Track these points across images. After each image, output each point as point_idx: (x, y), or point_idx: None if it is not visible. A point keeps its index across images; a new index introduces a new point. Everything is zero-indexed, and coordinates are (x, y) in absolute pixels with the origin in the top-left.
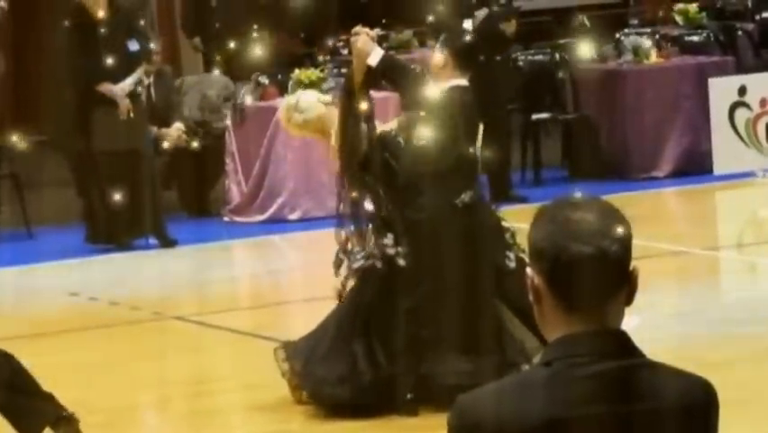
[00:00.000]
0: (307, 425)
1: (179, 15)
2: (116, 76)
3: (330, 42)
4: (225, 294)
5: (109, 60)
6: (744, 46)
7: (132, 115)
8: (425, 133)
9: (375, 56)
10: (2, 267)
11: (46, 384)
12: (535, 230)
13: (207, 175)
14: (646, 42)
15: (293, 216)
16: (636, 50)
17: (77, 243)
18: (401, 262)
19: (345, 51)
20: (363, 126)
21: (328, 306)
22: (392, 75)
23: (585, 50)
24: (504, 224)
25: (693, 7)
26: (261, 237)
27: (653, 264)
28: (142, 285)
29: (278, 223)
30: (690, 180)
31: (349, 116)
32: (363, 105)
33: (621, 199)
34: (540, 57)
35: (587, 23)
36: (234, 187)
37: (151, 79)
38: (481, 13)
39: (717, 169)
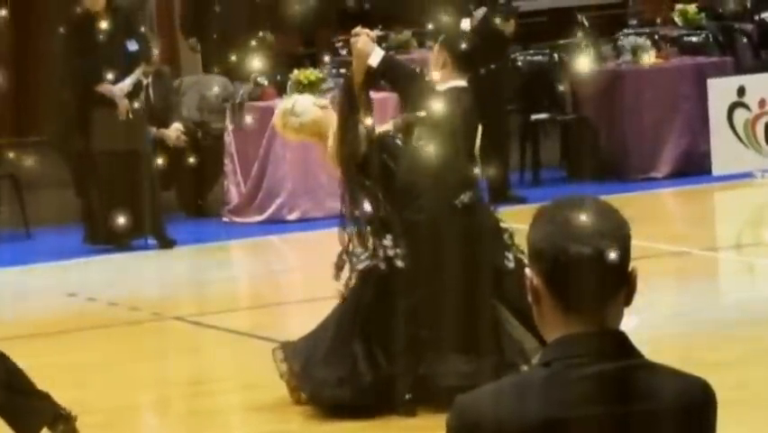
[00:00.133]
0: (306, 425)
1: (178, 16)
2: (115, 76)
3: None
4: (224, 294)
5: (108, 61)
6: (743, 47)
7: (130, 115)
8: (425, 134)
9: (375, 56)
10: (0, 267)
11: (44, 385)
12: (535, 231)
13: (206, 176)
14: (645, 43)
15: (292, 217)
16: (635, 51)
17: (76, 243)
18: (399, 263)
19: (344, 52)
20: (362, 128)
21: (327, 306)
22: (392, 75)
23: (584, 50)
24: (502, 224)
25: (692, 8)
26: (260, 238)
27: (651, 265)
28: (141, 285)
29: (276, 223)
30: (688, 181)
31: (348, 117)
32: (363, 106)
33: (620, 200)
34: (539, 57)
35: (586, 23)
36: (233, 187)
37: (150, 80)
38: (479, 13)
39: (716, 169)
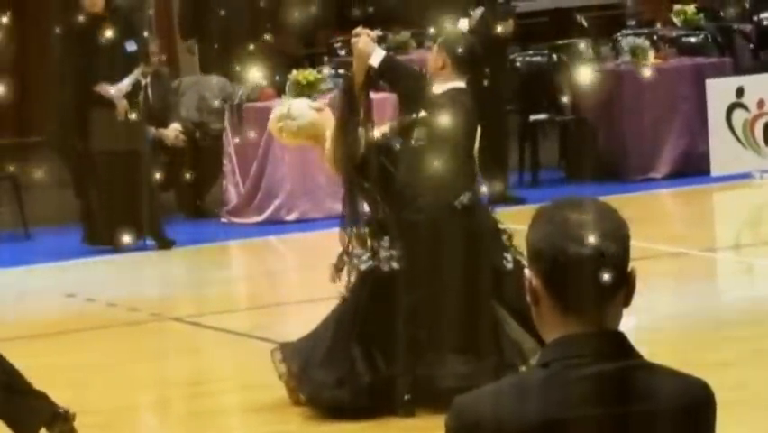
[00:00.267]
0: (305, 426)
1: (176, 16)
2: (114, 77)
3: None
4: (223, 295)
5: (107, 62)
6: (741, 47)
7: (129, 116)
8: (424, 135)
9: (376, 56)
10: None
11: (43, 385)
12: (534, 231)
13: (205, 176)
14: (644, 44)
15: (290, 218)
16: (634, 52)
17: (75, 244)
18: (395, 265)
19: (343, 52)
20: (361, 129)
21: (326, 307)
22: (393, 75)
23: (583, 51)
24: (501, 226)
25: (691, 8)
26: (259, 238)
27: (650, 265)
28: (140, 286)
29: (275, 224)
30: (687, 182)
31: (348, 119)
32: (363, 108)
33: (619, 201)
34: (538, 58)
35: (585, 23)
36: (232, 188)
37: (149, 80)
38: (477, 13)
39: (715, 170)
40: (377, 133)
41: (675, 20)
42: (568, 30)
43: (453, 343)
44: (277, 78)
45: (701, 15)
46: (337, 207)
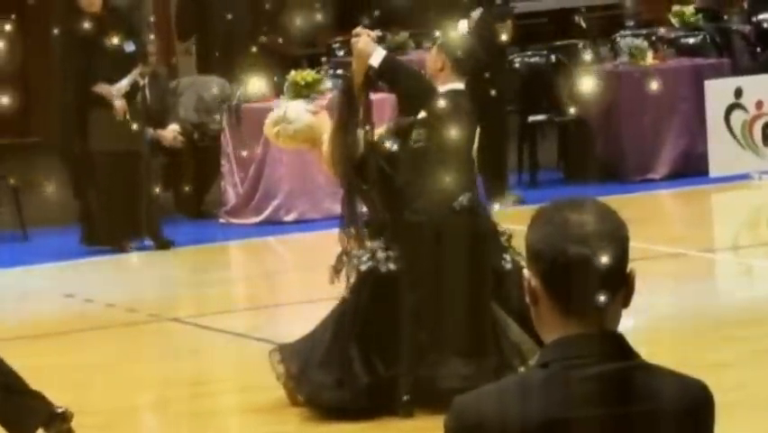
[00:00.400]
0: (303, 427)
1: (174, 18)
2: (112, 77)
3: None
4: (221, 296)
5: (105, 62)
6: (740, 48)
7: (128, 116)
8: (423, 136)
9: (377, 56)
10: None
11: (41, 386)
12: (533, 232)
13: (203, 177)
14: (643, 44)
15: (289, 218)
16: (633, 52)
17: (73, 244)
18: (393, 266)
19: (342, 53)
20: (360, 130)
21: (325, 307)
22: (394, 76)
23: (582, 52)
24: (500, 227)
25: (689, 9)
26: (257, 239)
27: (649, 266)
28: (139, 287)
29: (274, 225)
30: (686, 182)
31: (348, 119)
32: (362, 108)
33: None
34: (536, 59)
35: (583, 24)
36: (230, 188)
37: (147, 81)
38: (476, 14)
39: (714, 171)
40: (375, 133)
41: (674, 21)
42: (567, 30)
43: (453, 343)
44: (275, 78)
45: (700, 16)
46: (336, 208)
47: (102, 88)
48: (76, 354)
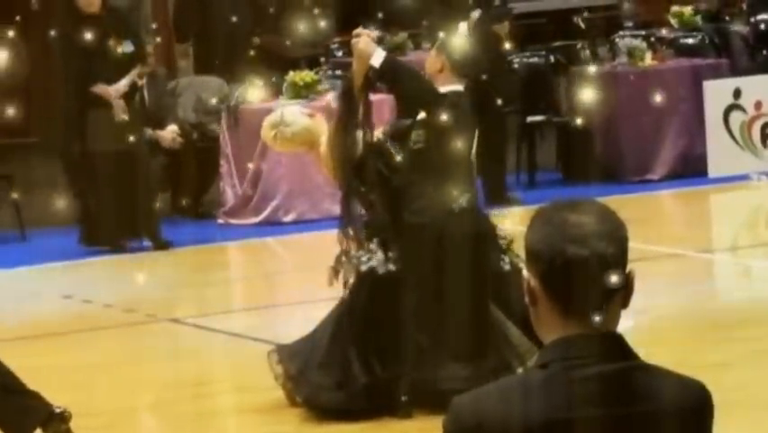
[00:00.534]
0: (302, 427)
1: (172, 18)
2: (110, 77)
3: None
4: (220, 296)
5: (103, 62)
6: (738, 49)
7: (126, 116)
8: (422, 137)
9: (377, 57)
10: None
11: (39, 386)
12: (532, 232)
13: (202, 177)
14: (641, 45)
15: (288, 219)
16: (631, 53)
17: (72, 245)
18: (392, 267)
19: (341, 54)
20: (359, 131)
21: (324, 308)
22: (394, 76)
23: (580, 52)
24: (498, 228)
25: (688, 10)
26: (256, 239)
27: (648, 267)
28: (137, 287)
29: (272, 225)
30: (685, 183)
31: (347, 120)
32: (362, 109)
33: (616, 202)
34: (535, 59)
35: (582, 25)
36: (229, 189)
37: (145, 81)
38: (475, 15)
39: (712, 171)
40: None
41: (672, 21)
42: (566, 31)
43: (452, 345)
44: (273, 79)
45: (698, 16)
46: (335, 209)
47: (101, 89)
48: (73, 354)
